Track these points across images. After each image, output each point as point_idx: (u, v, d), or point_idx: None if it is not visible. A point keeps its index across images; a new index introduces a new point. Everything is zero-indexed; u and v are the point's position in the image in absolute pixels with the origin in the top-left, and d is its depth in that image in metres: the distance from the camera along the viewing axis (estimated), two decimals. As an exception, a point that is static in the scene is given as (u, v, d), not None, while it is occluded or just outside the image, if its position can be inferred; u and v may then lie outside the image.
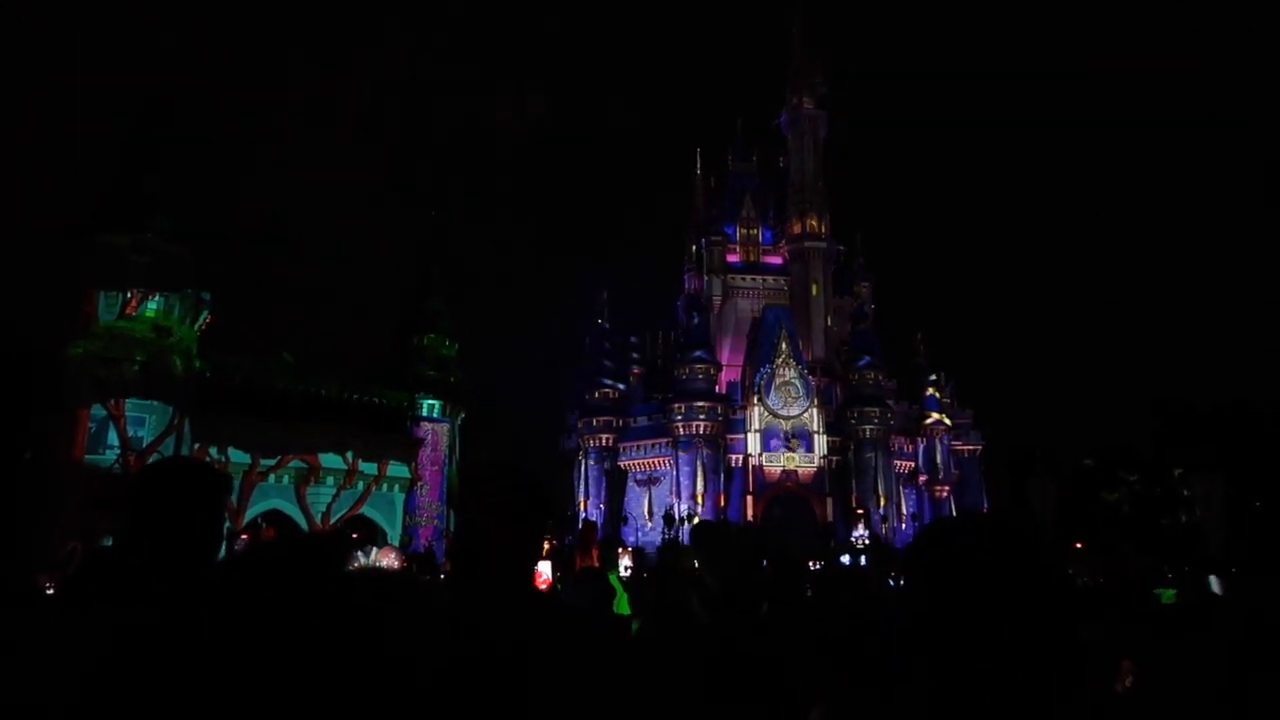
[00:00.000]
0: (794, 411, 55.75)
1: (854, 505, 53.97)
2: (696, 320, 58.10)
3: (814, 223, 63.17)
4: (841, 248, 64.90)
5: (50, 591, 6.56)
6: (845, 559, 31.32)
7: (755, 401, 55.74)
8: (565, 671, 1.92)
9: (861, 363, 57.26)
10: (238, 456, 32.06)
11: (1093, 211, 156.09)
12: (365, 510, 35.40)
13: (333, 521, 33.78)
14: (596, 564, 7.38)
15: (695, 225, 64.96)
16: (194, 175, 33.90)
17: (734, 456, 55.15)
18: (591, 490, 58.47)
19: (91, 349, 29.50)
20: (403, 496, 37.26)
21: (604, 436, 59.06)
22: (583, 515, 53.39)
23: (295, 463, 33.77)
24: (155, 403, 30.10)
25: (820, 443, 55.66)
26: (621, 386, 60.79)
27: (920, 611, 1.43)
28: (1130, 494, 50.17)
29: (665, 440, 55.98)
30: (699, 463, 54.12)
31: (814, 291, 62.47)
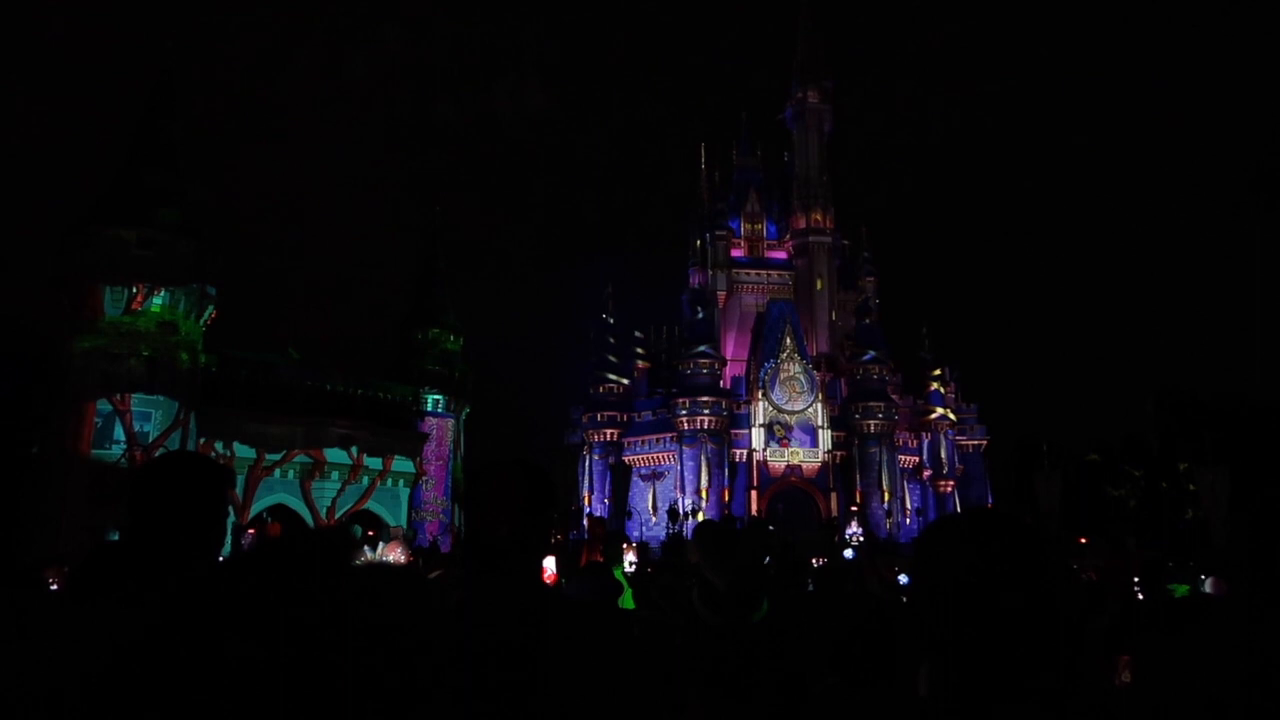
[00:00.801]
0: (798, 406, 55.73)
1: (855, 501, 53.97)
2: (701, 315, 58.06)
3: (818, 217, 63.07)
4: (846, 242, 64.80)
5: (54, 587, 6.59)
6: (848, 554, 31.26)
7: (760, 396, 55.73)
8: (572, 664, 1.93)
9: (866, 357, 57.19)
10: (243, 451, 32.14)
11: (1097, 204, 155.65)
12: (370, 505, 35.50)
13: (338, 516, 33.88)
14: (601, 559, 7.40)
15: (699, 219, 64.85)
16: (199, 169, 33.91)
17: (738, 451, 55.15)
18: (596, 485, 58.51)
19: (97, 344, 29.59)
20: (408, 491, 37.36)
21: (608, 431, 59.08)
22: (587, 510, 53.43)
23: (300, 457, 33.86)
24: (161, 397, 30.20)
25: (825, 437, 55.63)
26: (626, 381, 60.77)
27: (925, 605, 1.44)
28: (1136, 488, 50.12)
29: (670, 435, 55.98)
30: (703, 458, 54.13)
31: (818, 286, 62.39)
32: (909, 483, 58.02)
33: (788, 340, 56.75)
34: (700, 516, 48.22)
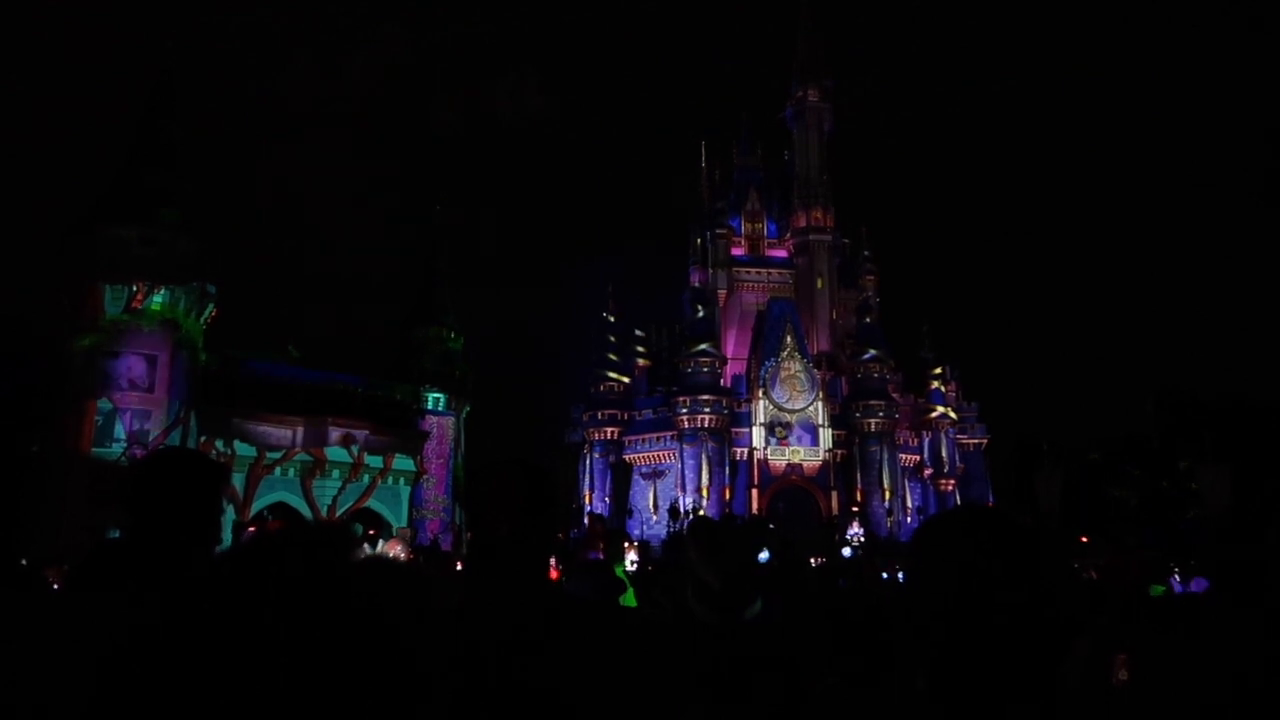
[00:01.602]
0: (799, 405, 55.73)
1: (856, 500, 53.95)
2: (701, 313, 58.05)
3: (819, 215, 63.07)
4: (846, 240, 64.76)
5: (55, 586, 6.60)
6: (847, 553, 31.29)
7: (760, 395, 55.72)
8: (575, 662, 1.93)
9: (866, 356, 57.19)
10: (244, 450, 32.16)
11: (1098, 203, 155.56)
12: (371, 503, 35.51)
13: (338, 514, 33.89)
14: (602, 557, 7.41)
15: (700, 218, 64.86)
16: (198, 168, 33.99)
17: (739, 450, 55.15)
18: (596, 484, 58.52)
19: (98, 342, 29.60)
20: (409, 489, 37.36)
21: (609, 430, 59.09)
22: (588, 509, 53.44)
23: (301, 456, 33.87)
24: (161, 396, 30.22)
25: (825, 436, 55.64)
26: (626, 380, 60.76)
27: (920, 602, 1.44)
28: (1137, 487, 50.11)
29: (670, 434, 55.99)
30: (704, 456, 54.14)
31: (819, 284, 62.39)
32: (910, 481, 58.04)
33: (788, 339, 56.75)
34: (692, 517, 48.24)
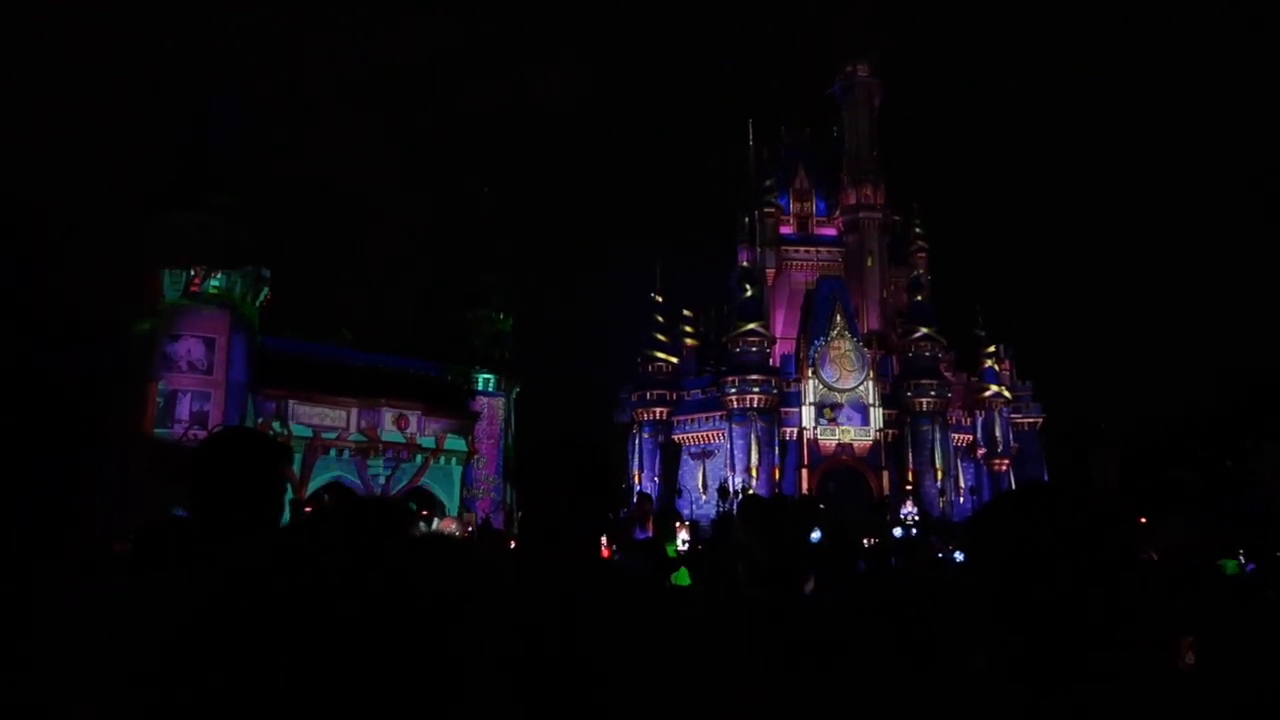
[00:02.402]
0: (849, 384, 55.26)
1: (908, 480, 53.46)
2: (749, 293, 57.73)
3: (869, 192, 62.25)
4: (897, 217, 63.84)
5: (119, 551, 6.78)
6: (899, 533, 31.07)
7: (810, 374, 55.36)
8: (629, 639, 1.94)
9: (917, 334, 56.46)
10: (300, 430, 32.86)
11: (1157, 174, 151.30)
12: (424, 483, 36.09)
13: (392, 494, 34.50)
14: (651, 535, 7.44)
15: (747, 197, 64.41)
16: (252, 152, 34.59)
17: (789, 429, 54.91)
18: (645, 464, 58.73)
19: (157, 325, 30.38)
20: (460, 469, 37.88)
21: (657, 410, 59.18)
22: (637, 489, 53.72)
23: (355, 436, 34.52)
24: (219, 377, 30.97)
25: (876, 415, 55.14)
26: (675, 360, 60.74)
27: (982, 584, 1.43)
28: (1200, 467, 48.94)
29: (719, 413, 55.92)
30: (753, 436, 54.01)
31: (869, 262, 61.67)
32: (963, 461, 57.34)
33: (838, 317, 56.24)
34: (742, 496, 48.17)
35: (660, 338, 60.81)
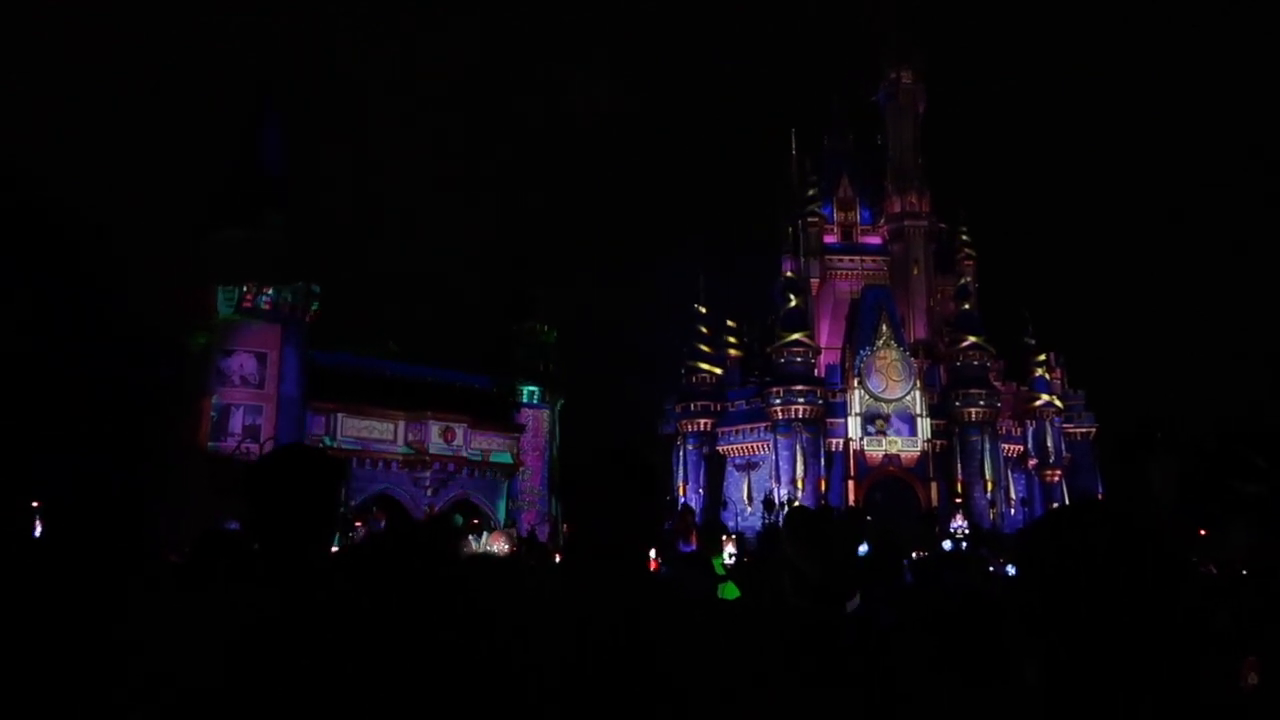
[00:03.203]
0: (896, 394, 54.67)
1: (957, 491, 52.66)
2: (794, 302, 57.42)
3: (913, 200, 61.67)
4: (943, 225, 63.13)
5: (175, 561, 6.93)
6: (947, 545, 30.59)
7: (855, 384, 54.86)
8: (680, 651, 1.95)
9: (965, 343, 55.70)
10: (348, 443, 33.34)
11: (1210, 174, 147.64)
12: (470, 495, 36.39)
13: (439, 507, 34.81)
14: (695, 548, 7.42)
15: (791, 206, 64.16)
16: (299, 169, 35.31)
17: (834, 440, 54.44)
18: (690, 475, 58.57)
19: (211, 341, 31.07)
20: (506, 482, 38.13)
21: (702, 421, 59.00)
22: (681, 500, 53.58)
23: (402, 448, 34.93)
24: (271, 392, 31.56)
25: (924, 426, 54.45)
26: (718, 371, 60.56)
27: (1034, 600, 1.43)
28: (1263, 478, 47.45)
29: (764, 424, 55.61)
30: (798, 447, 53.61)
31: (914, 271, 61.05)
32: (1013, 472, 56.36)
33: (884, 327, 55.71)
34: (789, 508, 47.79)
35: (704, 348, 60.70)
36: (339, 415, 33.70)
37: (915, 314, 60.28)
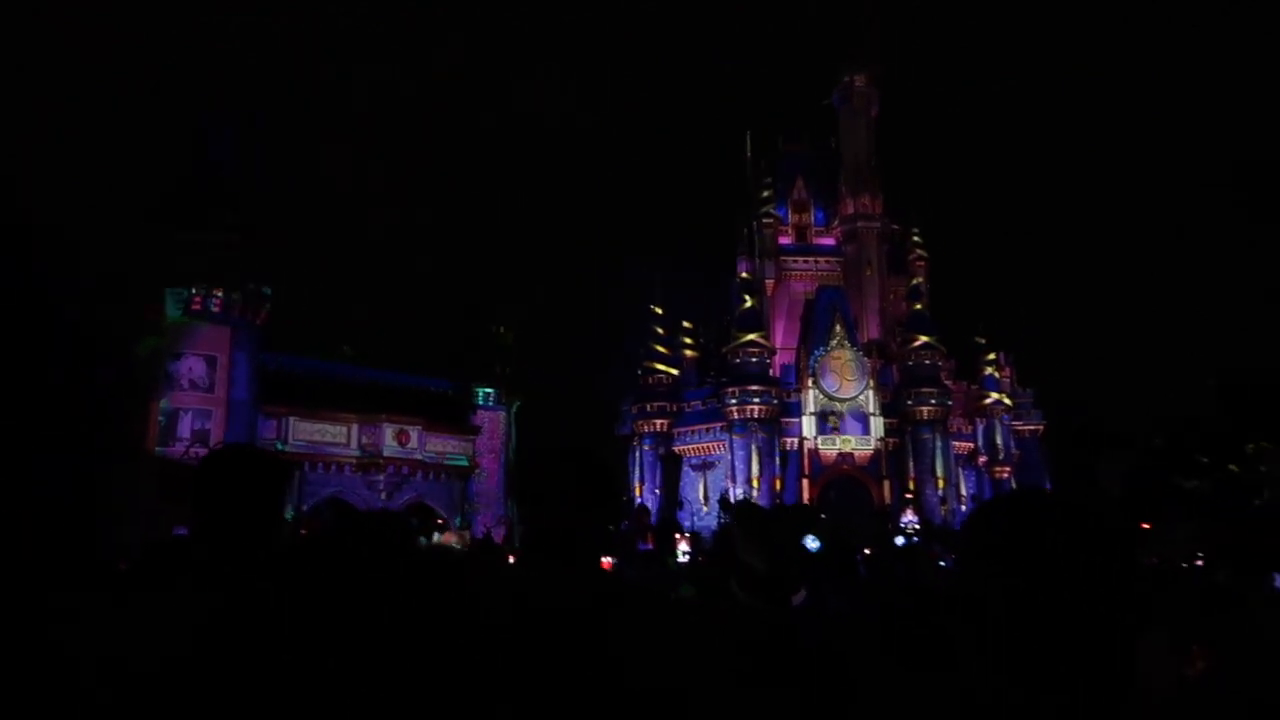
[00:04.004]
0: (850, 394, 55.21)
1: (909, 488, 53.36)
2: (749, 303, 57.73)
3: (867, 202, 62.35)
4: (896, 226, 63.89)
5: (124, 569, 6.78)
6: (900, 541, 31.01)
7: (810, 384, 55.32)
8: (636, 651, 1.95)
9: (917, 343, 56.43)
10: (300, 446, 32.86)
11: (1150, 181, 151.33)
12: (425, 497, 36.06)
13: (394, 509, 34.44)
14: (652, 547, 7.44)
15: (746, 208, 64.52)
16: (253, 168, 34.69)
17: (789, 440, 54.83)
18: (646, 476, 58.60)
19: (160, 344, 30.42)
20: (462, 484, 37.85)
21: (658, 422, 59.08)
22: (638, 501, 53.59)
23: (356, 451, 34.51)
24: (221, 395, 30.99)
25: (877, 424, 55.08)
26: (675, 371, 60.67)
27: (967, 584, 1.43)
28: (1203, 472, 48.74)
29: (720, 424, 55.86)
30: (754, 447, 53.93)
31: (868, 272, 61.72)
32: (964, 469, 57.26)
33: (837, 327, 56.23)
34: (735, 503, 48.01)
35: (660, 350, 60.79)
36: (290, 419, 33.20)
37: (868, 314, 60.95)
